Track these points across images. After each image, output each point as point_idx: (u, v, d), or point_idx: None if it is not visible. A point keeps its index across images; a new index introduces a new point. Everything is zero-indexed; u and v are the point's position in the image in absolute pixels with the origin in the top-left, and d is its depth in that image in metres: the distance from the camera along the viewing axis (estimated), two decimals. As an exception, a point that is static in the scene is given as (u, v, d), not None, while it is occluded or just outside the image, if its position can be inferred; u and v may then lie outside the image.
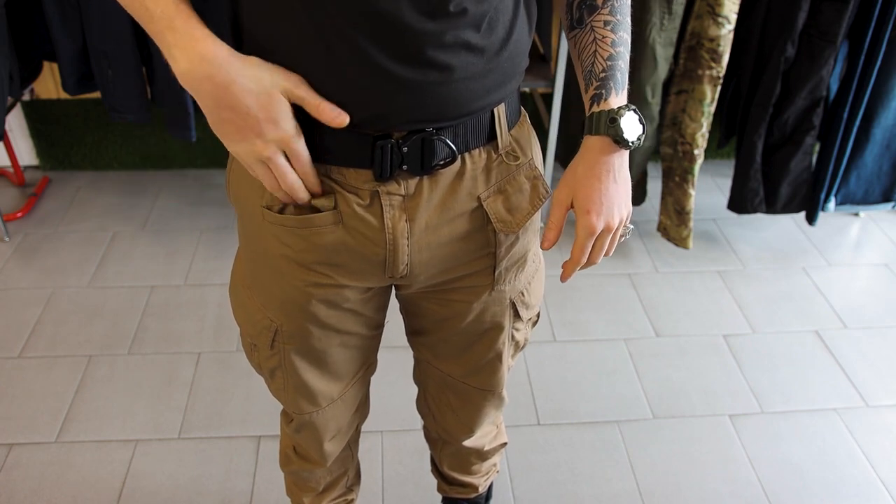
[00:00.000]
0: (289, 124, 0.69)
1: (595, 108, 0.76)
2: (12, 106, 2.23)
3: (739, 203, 2.17)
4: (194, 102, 1.97)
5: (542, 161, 0.88)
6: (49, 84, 2.39)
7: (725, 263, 2.22)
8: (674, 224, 2.15)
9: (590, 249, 0.79)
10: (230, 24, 0.76)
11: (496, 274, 0.88)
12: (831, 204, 2.20)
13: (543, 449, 1.61)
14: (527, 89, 2.57)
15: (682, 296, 2.08)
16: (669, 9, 1.84)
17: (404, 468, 1.55)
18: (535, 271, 0.97)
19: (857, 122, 2.03)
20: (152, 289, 2.04)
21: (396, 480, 1.53)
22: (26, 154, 2.52)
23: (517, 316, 0.96)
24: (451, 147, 0.76)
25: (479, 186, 0.81)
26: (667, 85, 2.02)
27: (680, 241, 2.15)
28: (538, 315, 1.03)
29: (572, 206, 0.78)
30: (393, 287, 0.96)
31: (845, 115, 2.02)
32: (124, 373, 1.77)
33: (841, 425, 1.69)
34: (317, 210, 0.77)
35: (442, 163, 0.77)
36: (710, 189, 2.58)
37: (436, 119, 0.74)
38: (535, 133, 0.88)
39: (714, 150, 2.69)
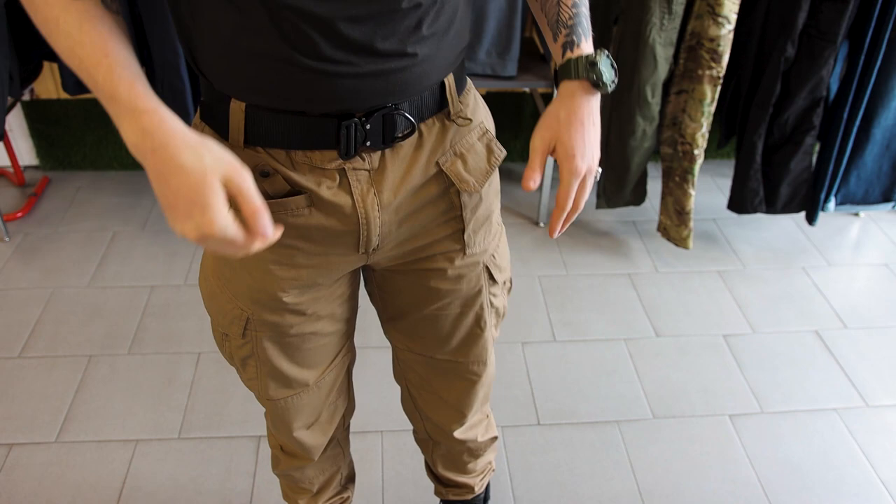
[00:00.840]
0: (216, 214, 0.63)
1: (570, 55, 0.78)
2: (12, 106, 2.23)
3: (739, 203, 2.17)
4: (194, 102, 1.98)
5: (492, 124, 0.92)
6: (49, 84, 2.39)
7: (725, 263, 2.22)
8: (674, 224, 2.15)
9: (574, 194, 0.81)
10: (186, 51, 0.78)
11: (465, 236, 0.91)
12: (831, 204, 2.20)
13: (543, 449, 1.61)
14: (527, 89, 2.57)
15: (682, 296, 2.08)
16: (669, 9, 1.84)
17: (404, 468, 1.55)
18: (500, 234, 1.00)
19: (857, 122, 2.03)
20: (152, 289, 2.04)
21: (397, 480, 1.53)
22: (26, 154, 2.52)
23: (492, 279, 0.98)
24: (409, 119, 0.79)
25: (437, 152, 0.84)
26: (667, 85, 2.02)
27: (680, 241, 2.15)
28: (511, 281, 1.06)
29: (552, 152, 0.80)
30: (363, 276, 0.98)
31: (845, 115, 2.02)
32: (124, 373, 1.77)
33: (841, 425, 1.69)
34: (290, 195, 0.79)
35: (402, 135, 0.80)
36: (710, 189, 2.58)
37: (398, 98, 0.77)
38: (482, 99, 0.92)
39: (714, 150, 2.69)
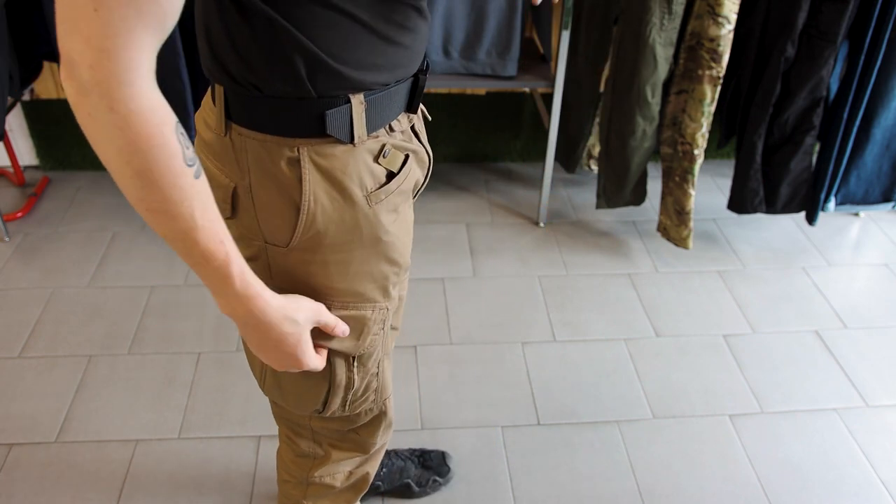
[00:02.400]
0: (309, 361, 0.81)
1: None
2: (12, 106, 2.22)
3: (739, 203, 2.17)
4: (194, 102, 1.98)
5: None
6: (49, 84, 2.39)
7: (725, 263, 2.22)
8: (674, 224, 2.15)
9: None
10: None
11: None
12: (831, 204, 2.20)
13: (543, 449, 1.61)
14: (527, 89, 2.57)
15: (682, 296, 2.08)
16: (669, 9, 1.84)
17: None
18: None
19: (857, 122, 2.03)
20: (152, 289, 2.04)
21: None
22: (26, 154, 2.52)
23: None
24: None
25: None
26: (667, 85, 2.02)
27: (680, 241, 2.15)
28: None
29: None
30: None
31: (845, 115, 2.02)
32: (124, 373, 1.77)
33: (841, 425, 1.69)
34: (403, 163, 0.85)
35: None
36: (710, 189, 2.58)
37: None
38: None
39: (714, 150, 2.69)
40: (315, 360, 0.82)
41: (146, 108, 0.58)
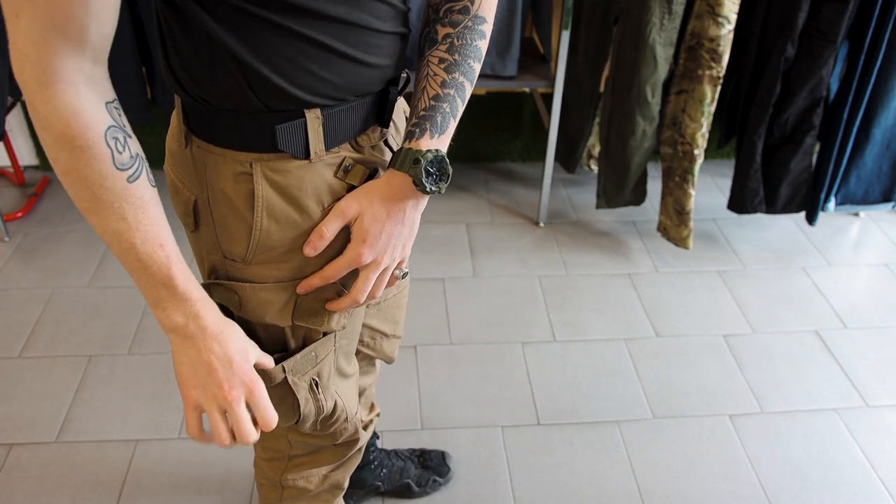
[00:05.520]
0: (238, 402, 0.75)
1: (406, 144, 0.77)
2: (12, 106, 2.23)
3: (739, 203, 2.17)
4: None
5: None
6: (49, 84, 2.39)
7: (725, 263, 2.22)
8: (674, 224, 2.15)
9: (341, 276, 0.80)
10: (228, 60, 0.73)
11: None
12: (831, 204, 2.20)
13: (543, 449, 1.61)
14: (527, 89, 2.57)
15: (682, 296, 2.08)
16: (669, 9, 1.84)
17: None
18: None
19: (857, 122, 2.03)
20: (152, 289, 2.04)
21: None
22: (26, 154, 2.52)
23: None
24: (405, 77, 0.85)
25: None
26: (667, 85, 2.02)
27: (680, 241, 2.15)
28: None
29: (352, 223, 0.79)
30: None
31: (845, 115, 2.02)
32: (124, 373, 1.77)
33: (841, 425, 1.69)
34: (369, 177, 0.81)
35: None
36: (710, 189, 2.58)
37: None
38: None
39: (714, 150, 2.69)
40: (244, 421, 0.74)
41: (67, 112, 0.61)
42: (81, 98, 0.62)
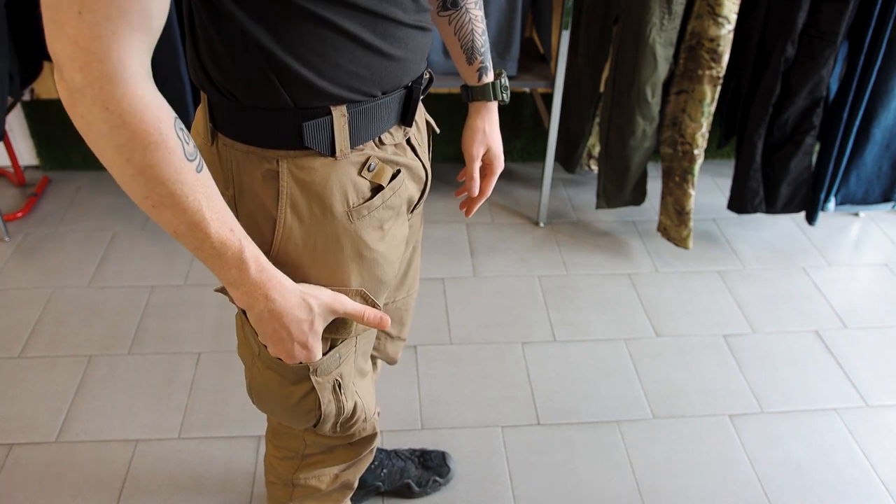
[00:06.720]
0: (316, 354, 0.81)
1: (486, 79, 1.01)
2: (12, 106, 2.22)
3: (739, 203, 2.17)
4: (194, 101, 1.98)
5: None
6: (49, 84, 2.39)
7: (725, 263, 2.22)
8: (674, 224, 2.15)
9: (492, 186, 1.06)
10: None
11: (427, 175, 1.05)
12: (831, 204, 2.20)
13: (543, 449, 1.61)
14: (527, 89, 2.57)
15: (682, 296, 2.08)
16: (669, 9, 1.84)
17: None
18: None
19: (857, 122, 2.03)
20: (152, 289, 2.04)
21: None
22: (26, 154, 2.52)
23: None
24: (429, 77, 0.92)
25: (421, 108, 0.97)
26: (667, 85, 2.02)
27: (680, 241, 2.15)
28: None
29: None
30: None
31: (845, 115, 2.02)
32: (124, 373, 1.77)
33: (841, 425, 1.69)
34: (392, 177, 0.84)
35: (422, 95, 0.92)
36: (710, 189, 2.58)
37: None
38: None
39: (714, 150, 2.69)
40: (318, 355, 0.81)
41: (140, 106, 0.59)
42: (150, 91, 0.61)
